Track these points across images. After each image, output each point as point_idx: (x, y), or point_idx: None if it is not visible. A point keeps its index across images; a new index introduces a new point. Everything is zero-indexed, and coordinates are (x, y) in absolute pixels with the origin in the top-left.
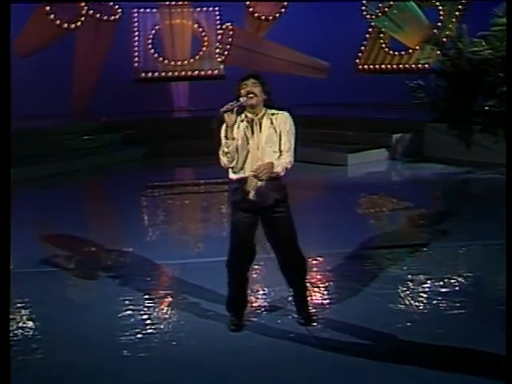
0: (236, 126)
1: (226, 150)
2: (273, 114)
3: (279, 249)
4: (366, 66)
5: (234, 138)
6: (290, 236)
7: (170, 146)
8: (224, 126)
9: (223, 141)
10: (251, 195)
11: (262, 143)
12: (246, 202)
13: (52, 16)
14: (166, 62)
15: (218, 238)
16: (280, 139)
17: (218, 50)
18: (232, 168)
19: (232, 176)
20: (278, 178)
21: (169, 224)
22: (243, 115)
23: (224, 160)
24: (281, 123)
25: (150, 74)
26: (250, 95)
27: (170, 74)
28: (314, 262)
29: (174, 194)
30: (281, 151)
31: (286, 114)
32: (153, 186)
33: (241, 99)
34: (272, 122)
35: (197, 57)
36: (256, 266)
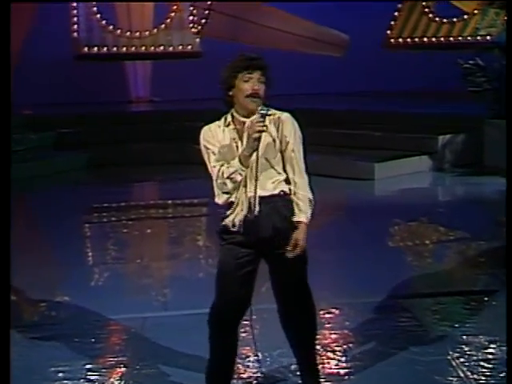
0: (220, 132)
1: (229, 185)
2: (270, 115)
3: (282, 295)
4: (400, 40)
5: (248, 166)
6: (298, 278)
7: (125, 151)
8: (242, 150)
9: (229, 170)
10: (245, 224)
11: (258, 155)
12: (239, 233)
13: None
14: (119, 32)
15: (193, 283)
16: (283, 151)
17: (192, 18)
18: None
19: (219, 199)
20: (285, 195)
21: (123, 262)
22: (228, 117)
23: (222, 199)
24: (284, 129)
25: (95, 50)
26: (255, 98)
27: (124, 49)
28: (329, 315)
29: (130, 220)
30: (287, 178)
31: (288, 115)
32: (101, 207)
33: (260, 110)
34: (270, 126)
35: (162, 26)
36: (246, 321)
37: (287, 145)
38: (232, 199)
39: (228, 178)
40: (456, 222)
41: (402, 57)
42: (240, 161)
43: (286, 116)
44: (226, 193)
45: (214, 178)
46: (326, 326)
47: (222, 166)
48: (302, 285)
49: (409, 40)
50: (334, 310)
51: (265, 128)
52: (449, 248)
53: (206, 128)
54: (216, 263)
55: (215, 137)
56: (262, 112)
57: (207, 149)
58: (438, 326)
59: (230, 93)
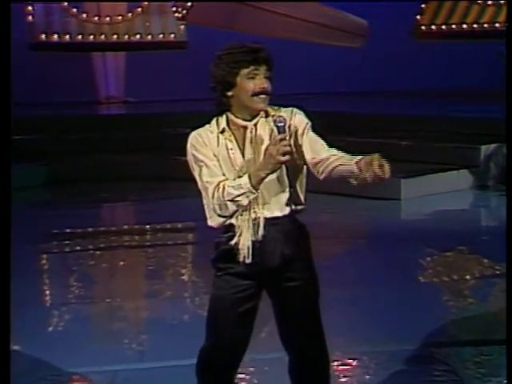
0: (213, 139)
1: (231, 209)
2: (273, 116)
3: (290, 340)
4: (433, 27)
5: (259, 189)
6: (310, 320)
7: (93, 163)
8: (257, 169)
9: (233, 192)
10: (247, 252)
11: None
12: (239, 262)
13: None
14: (85, 16)
15: (176, 327)
16: (297, 149)
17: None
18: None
19: (212, 222)
20: (293, 215)
21: (89, 302)
22: (221, 122)
23: (217, 221)
24: (292, 119)
25: (55, 37)
26: (263, 97)
27: (91, 38)
28: (344, 366)
29: (99, 250)
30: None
31: (294, 109)
32: (62, 234)
33: (278, 123)
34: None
35: (138, 10)
36: (242, 374)
37: (302, 133)
38: (231, 221)
39: (232, 200)
40: (503, 253)
41: (435, 48)
42: (251, 181)
43: (293, 110)
44: (224, 216)
45: (209, 196)
46: (341, 381)
47: (222, 182)
48: (314, 326)
49: (444, 27)
50: (350, 361)
51: (289, 148)
52: (494, 285)
53: (194, 134)
54: (205, 302)
55: (208, 145)
56: (280, 125)
57: (198, 160)
58: (481, 381)
59: (230, 93)
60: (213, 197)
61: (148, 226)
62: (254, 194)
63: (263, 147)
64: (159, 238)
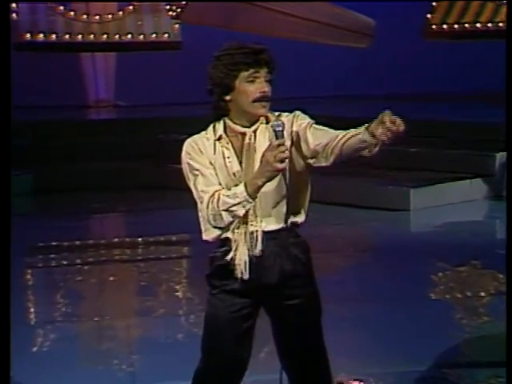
0: (209, 147)
1: (226, 219)
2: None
3: (291, 361)
4: (444, 26)
5: (256, 198)
6: (311, 339)
7: (82, 172)
8: (253, 177)
9: (229, 200)
10: (243, 268)
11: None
12: (236, 279)
13: None
14: (73, 14)
15: (170, 347)
16: (302, 147)
17: None
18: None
19: (207, 235)
20: (294, 228)
21: (77, 320)
22: (218, 128)
23: (212, 234)
24: (293, 125)
25: (41, 37)
26: (264, 103)
27: (79, 37)
28: None
29: (87, 264)
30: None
31: (297, 112)
32: (48, 247)
33: (276, 127)
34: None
35: (130, 8)
36: None
37: (305, 127)
38: (227, 235)
39: (227, 210)
40: None
41: (446, 48)
42: (247, 190)
43: (291, 115)
44: (219, 228)
45: (204, 206)
46: None
47: (217, 192)
48: (315, 347)
49: (456, 26)
50: (356, 383)
51: (287, 154)
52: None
53: (189, 141)
54: (201, 320)
55: (204, 152)
56: (278, 129)
57: (193, 169)
58: None
59: (228, 97)
60: (207, 207)
61: (140, 239)
62: (251, 203)
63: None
64: (152, 251)
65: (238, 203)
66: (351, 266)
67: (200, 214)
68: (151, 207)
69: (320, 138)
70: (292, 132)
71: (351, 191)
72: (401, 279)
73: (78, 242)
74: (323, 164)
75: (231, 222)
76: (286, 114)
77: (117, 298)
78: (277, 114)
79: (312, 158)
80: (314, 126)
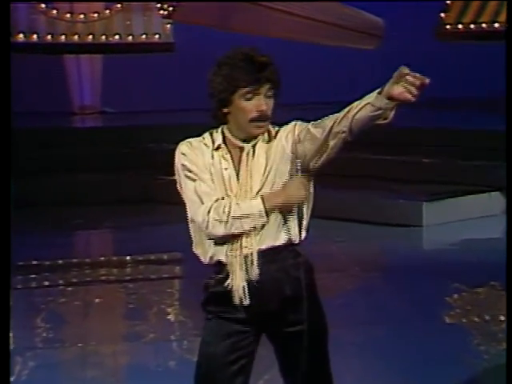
0: (207, 154)
1: (229, 228)
2: (276, 133)
3: None
4: (460, 26)
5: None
6: (318, 367)
7: (64, 184)
8: (273, 196)
9: (243, 209)
10: (242, 294)
11: (258, 188)
12: (234, 306)
13: None
14: (55, 13)
15: (161, 375)
16: (300, 154)
17: None
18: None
19: (197, 249)
20: (293, 247)
21: (59, 346)
22: (217, 137)
23: (205, 254)
24: (289, 133)
25: (21, 37)
26: (261, 123)
27: (62, 38)
28: None
29: (70, 285)
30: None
31: (296, 121)
32: (28, 266)
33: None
34: (274, 144)
35: (118, 7)
36: None
37: (306, 127)
38: (220, 257)
39: (236, 218)
40: None
41: (461, 50)
42: (264, 205)
43: (292, 124)
44: (211, 238)
45: (204, 211)
46: None
47: (225, 199)
48: (322, 375)
49: (472, 26)
50: None
51: (305, 193)
52: None
53: (185, 143)
54: (195, 346)
55: (201, 156)
56: (298, 163)
57: (189, 171)
58: None
59: (226, 109)
60: (209, 212)
61: (128, 257)
62: (263, 219)
63: (258, 169)
64: (141, 271)
65: (251, 215)
66: (358, 287)
67: (192, 222)
68: (140, 223)
69: (324, 126)
70: (295, 139)
71: (357, 205)
72: (412, 301)
73: (60, 261)
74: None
75: (226, 237)
76: (285, 127)
77: (103, 322)
78: (277, 128)
79: (324, 148)
80: (314, 122)
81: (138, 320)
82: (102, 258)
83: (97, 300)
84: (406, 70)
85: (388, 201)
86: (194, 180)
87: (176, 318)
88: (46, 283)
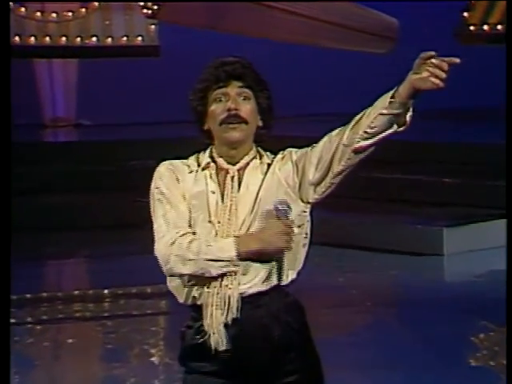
0: (190, 178)
1: (193, 268)
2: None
3: None
4: (485, 27)
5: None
6: None
7: (34, 207)
8: (248, 238)
9: (213, 252)
10: (220, 345)
11: (250, 220)
12: (214, 356)
13: None
14: (24, 11)
15: None
16: (304, 174)
17: None
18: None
19: (178, 295)
20: (281, 288)
21: None
22: (204, 158)
23: (177, 297)
24: (286, 161)
25: None
26: (233, 125)
27: (32, 40)
28: None
29: (39, 323)
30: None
31: (292, 149)
32: None
33: (279, 207)
34: (267, 172)
35: (95, 5)
36: None
37: (305, 153)
38: (198, 301)
39: (205, 260)
40: None
41: (486, 54)
42: (237, 248)
43: (288, 152)
44: (172, 275)
45: (167, 242)
46: None
47: (194, 235)
48: None
49: (499, 27)
50: None
51: (287, 244)
52: None
53: (167, 163)
54: None
55: (181, 182)
56: (283, 209)
57: (163, 195)
58: None
59: (205, 126)
60: (172, 244)
61: (106, 291)
62: (236, 266)
63: (249, 197)
64: (121, 306)
65: (219, 260)
66: (370, 324)
67: (157, 251)
68: (119, 251)
69: (327, 144)
70: (293, 168)
71: (369, 231)
72: (432, 341)
73: (28, 295)
74: (346, 166)
75: (191, 276)
76: (281, 152)
77: (77, 365)
78: (269, 154)
79: (328, 172)
80: (314, 145)
81: (118, 362)
82: (77, 292)
83: (70, 340)
84: (429, 52)
85: (404, 226)
86: (165, 205)
87: (161, 361)
88: (12, 321)
